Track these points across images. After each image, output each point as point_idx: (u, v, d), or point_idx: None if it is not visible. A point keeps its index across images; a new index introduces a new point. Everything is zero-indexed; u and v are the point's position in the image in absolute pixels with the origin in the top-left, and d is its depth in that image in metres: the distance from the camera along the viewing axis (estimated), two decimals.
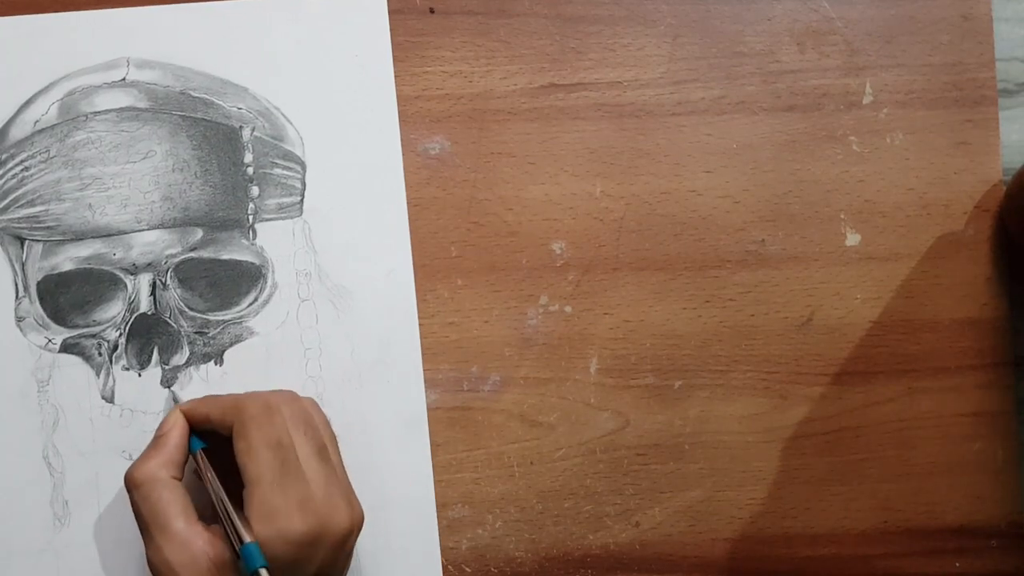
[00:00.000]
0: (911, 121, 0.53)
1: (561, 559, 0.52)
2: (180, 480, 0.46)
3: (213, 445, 0.47)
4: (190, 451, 0.47)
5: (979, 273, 0.53)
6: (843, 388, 0.53)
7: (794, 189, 0.53)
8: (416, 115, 0.53)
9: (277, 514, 0.43)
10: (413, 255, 0.52)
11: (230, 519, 0.44)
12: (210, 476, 0.46)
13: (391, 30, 0.53)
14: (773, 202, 0.53)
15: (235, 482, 0.45)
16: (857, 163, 0.53)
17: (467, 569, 0.52)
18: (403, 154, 0.53)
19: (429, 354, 0.52)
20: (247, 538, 0.43)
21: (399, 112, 0.53)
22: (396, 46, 0.53)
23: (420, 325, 0.52)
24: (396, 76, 0.53)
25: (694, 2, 0.54)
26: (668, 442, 0.53)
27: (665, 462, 0.53)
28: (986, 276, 0.53)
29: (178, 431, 0.47)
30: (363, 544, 0.50)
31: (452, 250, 0.53)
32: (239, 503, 0.45)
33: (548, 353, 0.53)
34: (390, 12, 0.53)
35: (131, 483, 0.45)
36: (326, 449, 0.46)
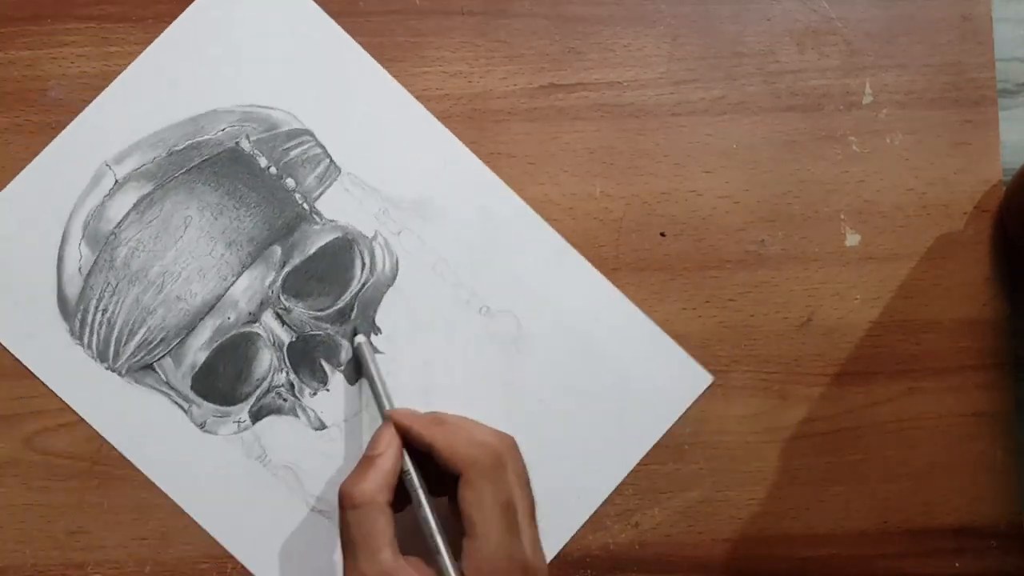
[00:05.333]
0: (911, 121, 0.53)
1: (561, 559, 0.52)
2: (390, 506, 0.45)
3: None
4: (408, 486, 0.46)
5: (979, 273, 0.53)
6: (843, 388, 0.53)
7: (794, 189, 0.53)
8: None
9: (499, 574, 0.43)
10: None
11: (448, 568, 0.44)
12: (432, 518, 0.45)
13: (391, 31, 0.53)
14: (773, 202, 0.53)
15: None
16: (857, 163, 0.53)
17: None
18: None
19: None
20: None
21: None
22: (396, 46, 0.53)
23: None
24: (396, 76, 0.53)
25: (694, 2, 0.54)
26: (668, 442, 0.53)
27: (665, 462, 0.53)
28: (986, 276, 0.53)
29: (393, 452, 0.46)
30: None
31: None
32: (450, 544, 0.44)
33: None
34: (391, 12, 0.53)
35: (349, 502, 0.44)
36: (534, 509, 0.46)
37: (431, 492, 0.46)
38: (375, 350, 0.51)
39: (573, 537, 0.52)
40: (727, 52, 0.54)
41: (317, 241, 0.52)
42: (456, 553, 0.44)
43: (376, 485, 0.44)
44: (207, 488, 0.51)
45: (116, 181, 0.52)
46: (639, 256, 0.53)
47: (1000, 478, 0.53)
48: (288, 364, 0.51)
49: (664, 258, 0.53)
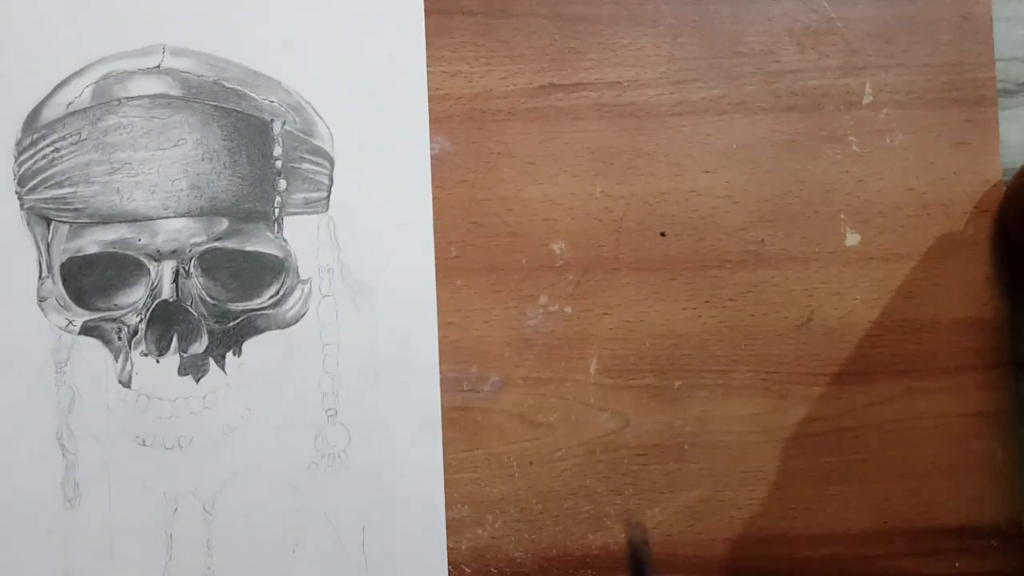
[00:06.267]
0: (911, 121, 0.53)
1: (561, 559, 0.52)
2: None
3: None
4: None
5: (979, 273, 0.53)
6: (843, 388, 0.53)
7: (794, 189, 0.53)
8: None
9: None
10: None
11: None
12: None
13: None
14: (773, 202, 0.53)
15: None
16: (857, 163, 0.53)
17: (467, 569, 0.52)
18: None
19: None
20: None
21: None
22: None
23: None
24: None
25: (694, 2, 0.54)
26: (668, 442, 0.53)
27: (665, 462, 0.53)
28: (986, 276, 0.53)
29: None
30: (371, 543, 0.51)
31: (452, 250, 0.53)
32: None
33: (548, 353, 0.53)
34: None
35: None
36: None
37: None
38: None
39: (573, 536, 0.52)
40: (727, 52, 0.54)
41: (259, 245, 0.51)
42: None
43: None
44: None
45: (159, 66, 0.52)
46: (639, 256, 0.53)
47: (1000, 478, 0.53)
48: (147, 314, 0.51)
49: (664, 258, 0.53)
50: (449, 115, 0.53)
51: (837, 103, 0.53)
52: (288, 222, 0.52)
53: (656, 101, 0.53)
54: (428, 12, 0.53)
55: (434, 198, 0.53)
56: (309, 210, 0.52)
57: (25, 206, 0.51)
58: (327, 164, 0.52)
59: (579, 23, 0.53)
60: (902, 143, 0.53)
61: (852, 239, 0.53)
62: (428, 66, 0.53)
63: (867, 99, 0.54)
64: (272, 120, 0.52)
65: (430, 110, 0.53)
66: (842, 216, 0.53)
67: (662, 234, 0.53)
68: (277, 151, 0.52)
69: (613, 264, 0.53)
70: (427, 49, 0.53)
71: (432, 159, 0.53)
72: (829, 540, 0.53)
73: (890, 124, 0.53)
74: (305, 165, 0.52)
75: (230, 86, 0.52)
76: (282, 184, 0.52)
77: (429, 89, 0.53)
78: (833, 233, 0.53)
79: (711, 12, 0.54)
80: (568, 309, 0.53)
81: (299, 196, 0.52)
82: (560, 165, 0.53)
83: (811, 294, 0.53)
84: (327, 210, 0.52)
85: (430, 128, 0.53)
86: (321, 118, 0.52)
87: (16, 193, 0.51)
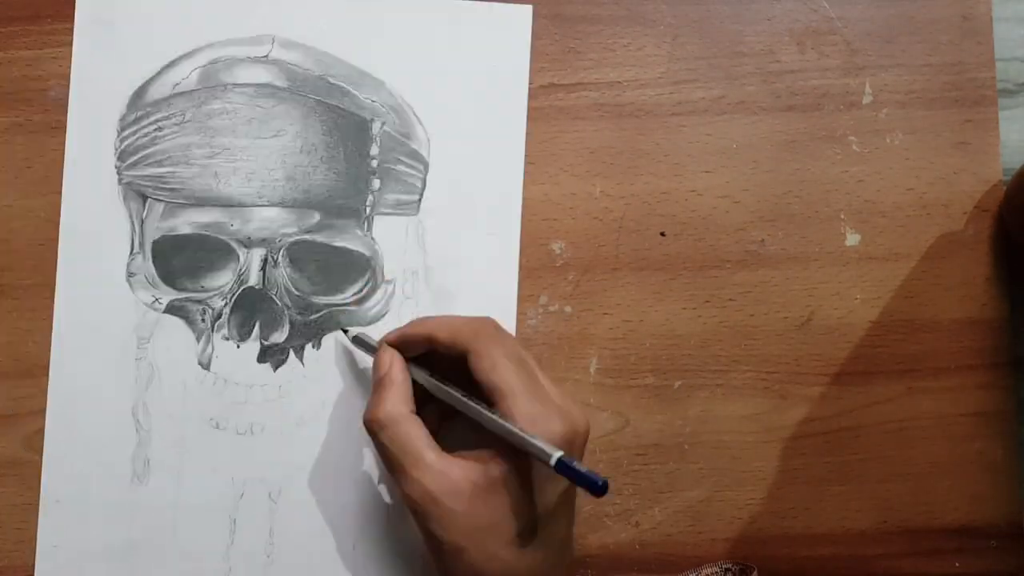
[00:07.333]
0: (911, 121, 0.53)
1: None
2: (415, 413, 0.46)
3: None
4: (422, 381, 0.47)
5: (979, 273, 0.53)
6: (843, 388, 0.53)
7: (794, 189, 0.53)
8: None
9: (538, 420, 0.43)
10: None
11: (511, 431, 0.43)
12: (460, 393, 0.46)
13: None
14: (773, 202, 0.53)
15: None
16: (857, 163, 0.53)
17: None
18: None
19: None
20: (551, 451, 0.42)
21: None
22: None
23: None
24: None
25: (694, 2, 0.54)
26: (668, 442, 0.53)
27: (665, 462, 0.53)
28: (986, 276, 0.53)
29: (399, 366, 0.47)
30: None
31: None
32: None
33: (548, 353, 0.53)
34: None
35: (377, 425, 0.45)
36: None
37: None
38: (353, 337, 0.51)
39: (573, 537, 0.52)
40: (727, 52, 0.54)
41: (348, 242, 0.52)
42: None
43: (394, 401, 0.45)
44: (84, 333, 0.51)
45: (267, 56, 0.52)
46: (639, 256, 0.53)
47: (1000, 478, 0.53)
48: (232, 299, 0.51)
49: (664, 258, 0.53)
50: None
51: (837, 103, 0.53)
52: (378, 221, 0.52)
53: (656, 101, 0.53)
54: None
55: None
56: (400, 212, 0.52)
57: (123, 181, 0.52)
58: (422, 168, 0.52)
59: (579, 23, 0.53)
60: (902, 143, 0.53)
61: (852, 239, 0.53)
62: None
63: (867, 99, 0.54)
64: (372, 119, 0.52)
65: None
66: (842, 216, 0.53)
67: (662, 234, 0.53)
68: (374, 150, 0.52)
69: (613, 264, 0.53)
70: None
71: None
72: (829, 540, 0.53)
73: (890, 124, 0.53)
74: (400, 167, 0.52)
75: (335, 82, 0.52)
76: (376, 183, 0.52)
77: None
78: (833, 233, 0.53)
79: (711, 12, 0.54)
80: (568, 309, 0.53)
81: (391, 197, 0.52)
82: (560, 165, 0.53)
83: (811, 294, 0.53)
84: (417, 213, 0.52)
85: None
86: (421, 123, 0.52)
87: (116, 168, 0.52)
